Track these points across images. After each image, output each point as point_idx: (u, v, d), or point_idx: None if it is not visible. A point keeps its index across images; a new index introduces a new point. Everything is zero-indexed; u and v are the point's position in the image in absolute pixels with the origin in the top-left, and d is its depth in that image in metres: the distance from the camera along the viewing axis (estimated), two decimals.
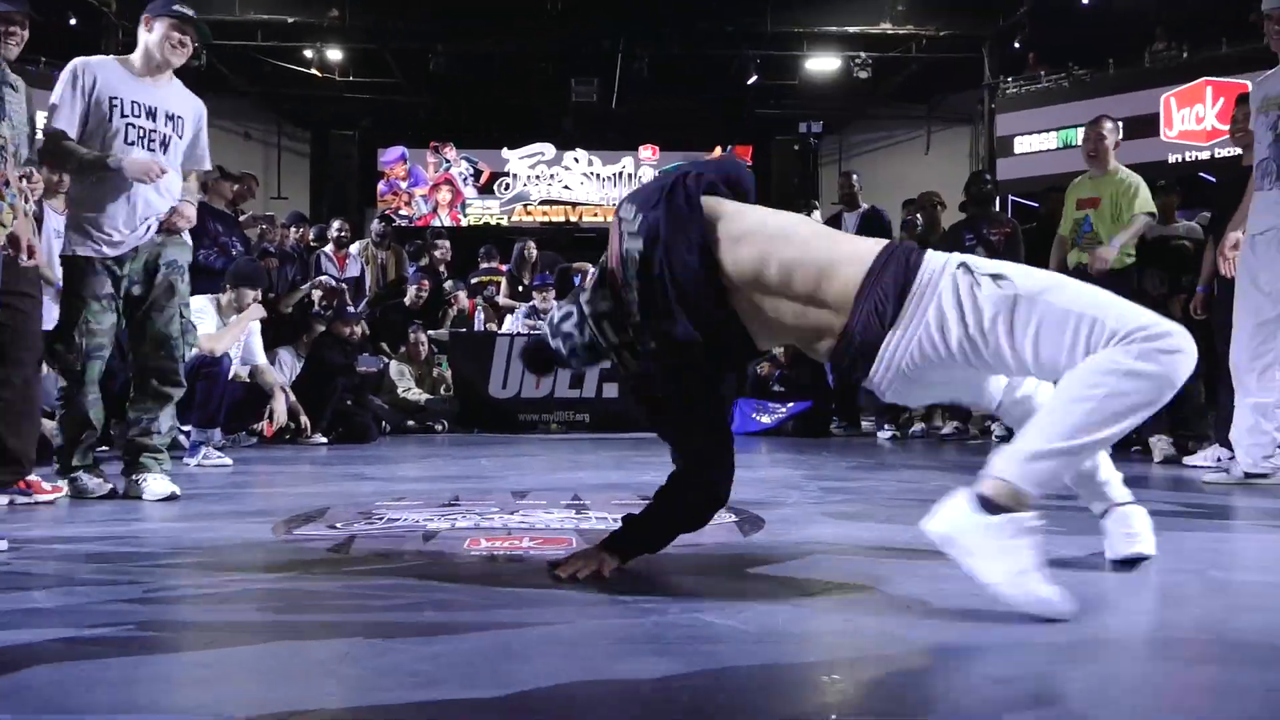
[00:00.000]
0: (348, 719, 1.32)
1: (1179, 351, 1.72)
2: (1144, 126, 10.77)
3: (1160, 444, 5.15)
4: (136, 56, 3.78)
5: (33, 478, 3.52)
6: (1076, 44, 11.63)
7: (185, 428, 5.04)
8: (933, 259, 1.92)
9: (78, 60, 3.71)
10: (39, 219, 4.41)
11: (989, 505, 1.76)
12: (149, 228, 3.75)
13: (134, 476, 3.71)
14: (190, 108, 3.91)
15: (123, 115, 3.67)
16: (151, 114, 3.75)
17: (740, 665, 1.52)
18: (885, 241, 2.03)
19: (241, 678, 1.51)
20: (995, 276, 1.84)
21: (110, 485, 3.69)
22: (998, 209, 8.01)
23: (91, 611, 1.89)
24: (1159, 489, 4.11)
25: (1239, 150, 5.10)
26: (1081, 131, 5.98)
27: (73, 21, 10.60)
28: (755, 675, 1.48)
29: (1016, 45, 12.15)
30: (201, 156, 3.99)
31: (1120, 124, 5.58)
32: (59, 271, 3.94)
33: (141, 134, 3.72)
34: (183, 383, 3.90)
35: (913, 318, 1.86)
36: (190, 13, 3.78)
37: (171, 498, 3.61)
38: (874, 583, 2.10)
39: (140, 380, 3.83)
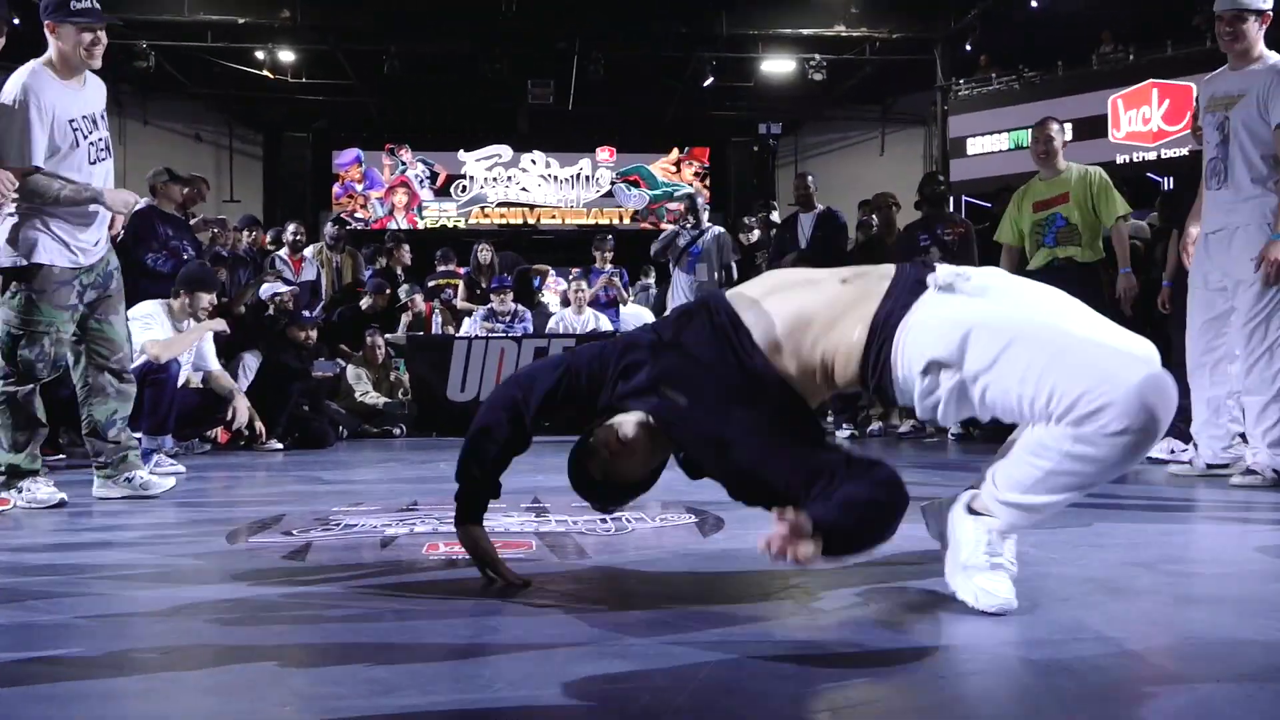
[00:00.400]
0: None
1: (1121, 434, 1.62)
2: (1092, 127, 10.97)
3: None
4: (57, 63, 3.61)
5: None
6: (1026, 46, 11.82)
7: (136, 434, 4.95)
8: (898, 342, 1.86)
9: (25, 80, 3.51)
10: None
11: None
12: (106, 237, 3.78)
13: (128, 475, 3.81)
14: (102, 96, 3.78)
15: (85, 136, 3.61)
16: (94, 122, 3.68)
17: (701, 666, 1.52)
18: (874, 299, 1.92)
19: (194, 691, 1.48)
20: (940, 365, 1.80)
21: (61, 495, 3.61)
22: (951, 209, 8.08)
23: (40, 626, 1.84)
24: (1124, 482, 4.18)
25: (1185, 151, 5.20)
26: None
27: (16, 21, 10.39)
28: (717, 676, 1.48)
29: (968, 48, 12.31)
30: None
31: (1067, 124, 5.67)
32: None
33: (96, 148, 3.68)
34: (134, 381, 3.94)
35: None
36: (91, 4, 3.60)
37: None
38: (835, 582, 2.11)
39: (100, 382, 3.82)
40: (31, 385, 3.63)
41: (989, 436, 6.58)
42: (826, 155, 14.82)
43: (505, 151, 14.82)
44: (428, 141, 14.82)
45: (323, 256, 8.86)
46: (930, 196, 7.07)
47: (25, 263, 3.57)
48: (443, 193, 14.80)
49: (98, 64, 3.65)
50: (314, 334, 7.32)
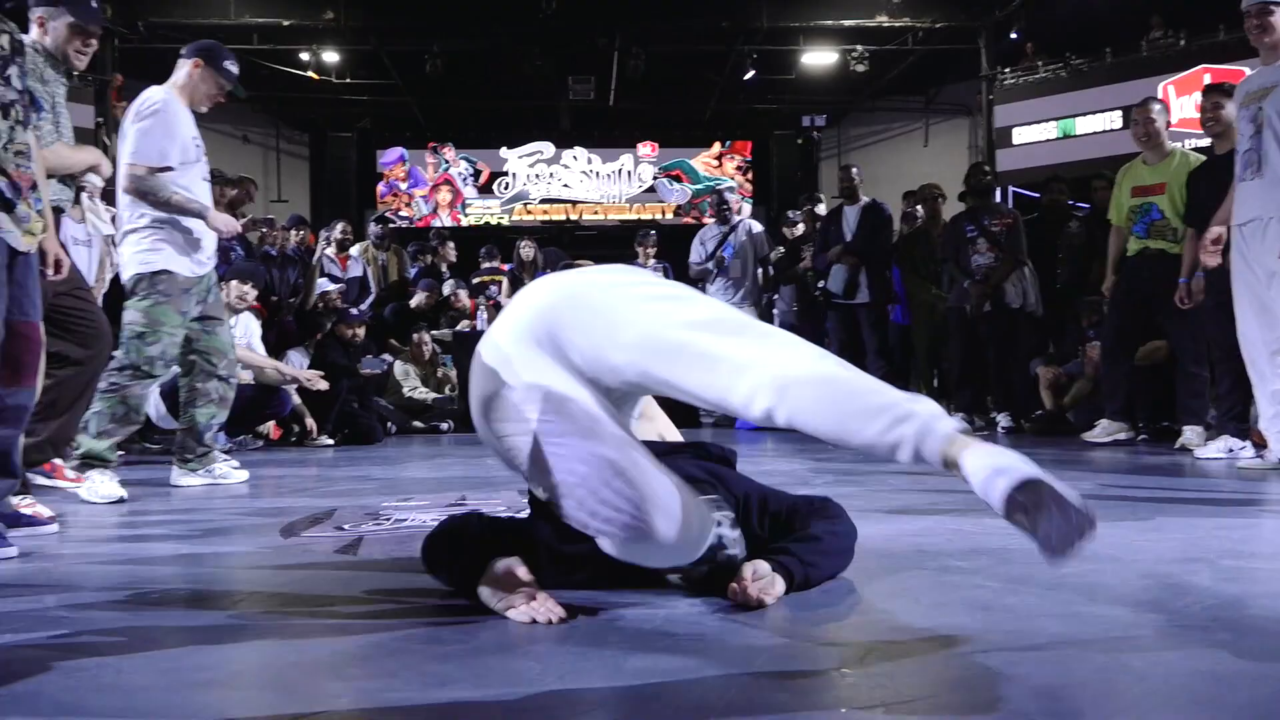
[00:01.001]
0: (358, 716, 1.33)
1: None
2: None
3: (1192, 434, 5.12)
4: (185, 93, 4.06)
5: (59, 462, 3.59)
6: (1073, 33, 11.62)
7: None
8: None
9: (164, 95, 3.97)
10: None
11: None
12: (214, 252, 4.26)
13: (211, 468, 4.17)
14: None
15: (203, 154, 4.11)
16: (199, 146, 4.13)
17: (752, 661, 1.52)
18: None
19: (249, 681, 1.51)
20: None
21: (123, 493, 3.68)
22: (998, 200, 7.99)
23: (99, 615, 1.89)
24: (1185, 477, 4.12)
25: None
26: (1081, 121, 5.97)
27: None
28: (767, 671, 1.48)
29: (1013, 36, 12.13)
30: None
31: (1116, 112, 5.56)
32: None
33: (207, 169, 4.16)
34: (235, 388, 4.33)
35: None
36: (234, 71, 4.17)
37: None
38: (882, 574, 2.10)
39: (207, 388, 4.15)
40: (147, 382, 3.90)
41: (1039, 430, 6.51)
42: (870, 147, 14.69)
43: (547, 148, 14.87)
44: (470, 139, 14.92)
45: (369, 254, 8.96)
46: (976, 187, 7.00)
47: (157, 269, 3.91)
48: (486, 190, 14.89)
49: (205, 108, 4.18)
50: (361, 331, 7.42)
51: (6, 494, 2.87)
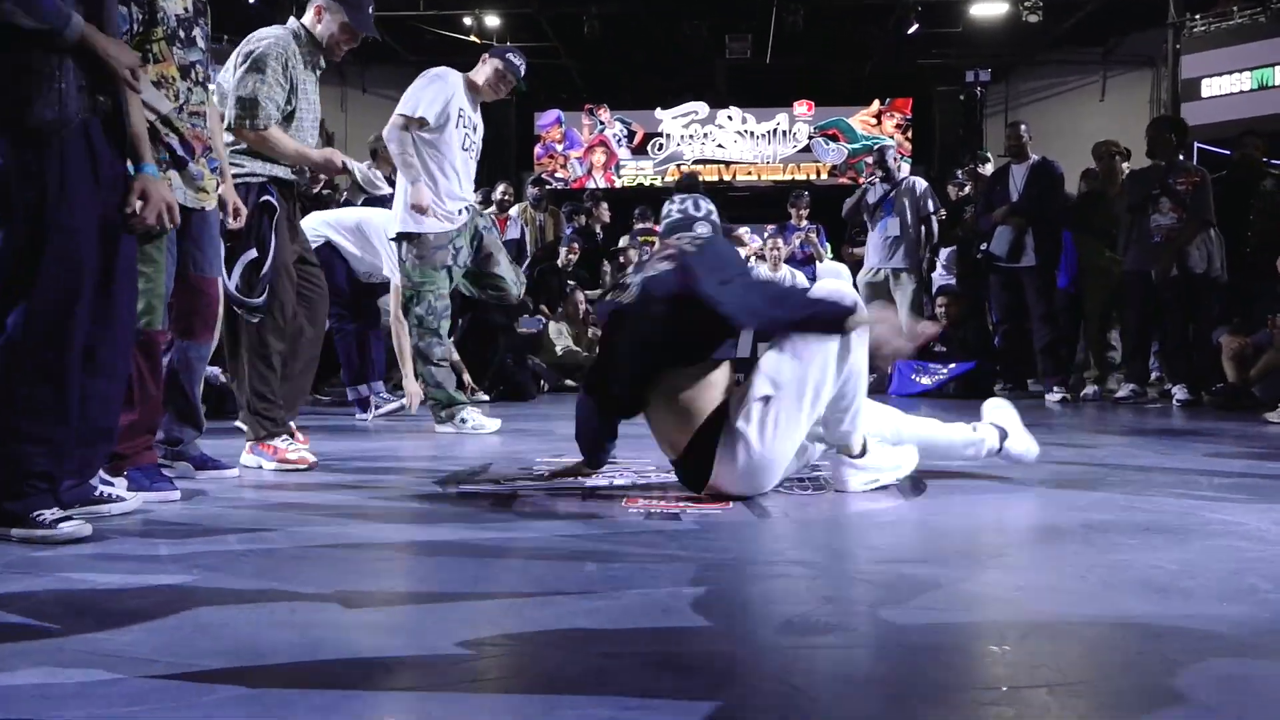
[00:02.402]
0: (509, 671, 1.36)
1: None
2: None
3: None
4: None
5: (278, 444, 3.43)
6: None
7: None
8: None
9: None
10: None
11: None
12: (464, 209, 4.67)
13: (462, 417, 4.54)
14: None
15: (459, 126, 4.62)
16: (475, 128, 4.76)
17: (906, 635, 1.48)
18: None
19: (407, 628, 1.57)
20: None
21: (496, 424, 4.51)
22: (1184, 158, 7.44)
23: (281, 557, 2.01)
24: None
25: None
26: None
27: (251, 0, 11.15)
28: (923, 644, 1.44)
29: None
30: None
31: None
32: None
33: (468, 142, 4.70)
34: None
35: None
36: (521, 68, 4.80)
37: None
38: (1046, 550, 2.01)
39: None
40: (439, 336, 4.48)
41: (1220, 404, 6.09)
42: (1041, 103, 13.92)
43: (701, 108, 14.75)
44: (625, 101, 14.94)
45: (526, 215, 9.14)
46: (1160, 144, 6.53)
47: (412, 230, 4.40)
48: (639, 151, 14.92)
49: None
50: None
51: (194, 439, 3.09)
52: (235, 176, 3.34)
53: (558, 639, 1.44)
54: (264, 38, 3.45)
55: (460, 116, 4.60)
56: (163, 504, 2.62)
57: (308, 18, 3.58)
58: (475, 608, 1.65)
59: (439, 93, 4.51)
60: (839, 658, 1.37)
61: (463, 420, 4.49)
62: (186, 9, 2.77)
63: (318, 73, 3.62)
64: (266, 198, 3.35)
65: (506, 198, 8.60)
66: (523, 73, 4.76)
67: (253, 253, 3.29)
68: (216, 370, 5.51)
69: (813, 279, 8.73)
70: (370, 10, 3.68)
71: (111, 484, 2.63)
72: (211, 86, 3.04)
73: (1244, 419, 5.30)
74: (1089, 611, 1.61)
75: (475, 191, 9.31)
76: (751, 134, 14.72)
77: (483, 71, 4.71)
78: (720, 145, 14.72)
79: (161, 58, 2.69)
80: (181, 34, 2.76)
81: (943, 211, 7.70)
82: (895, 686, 1.25)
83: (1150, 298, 6.42)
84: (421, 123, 4.44)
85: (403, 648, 1.41)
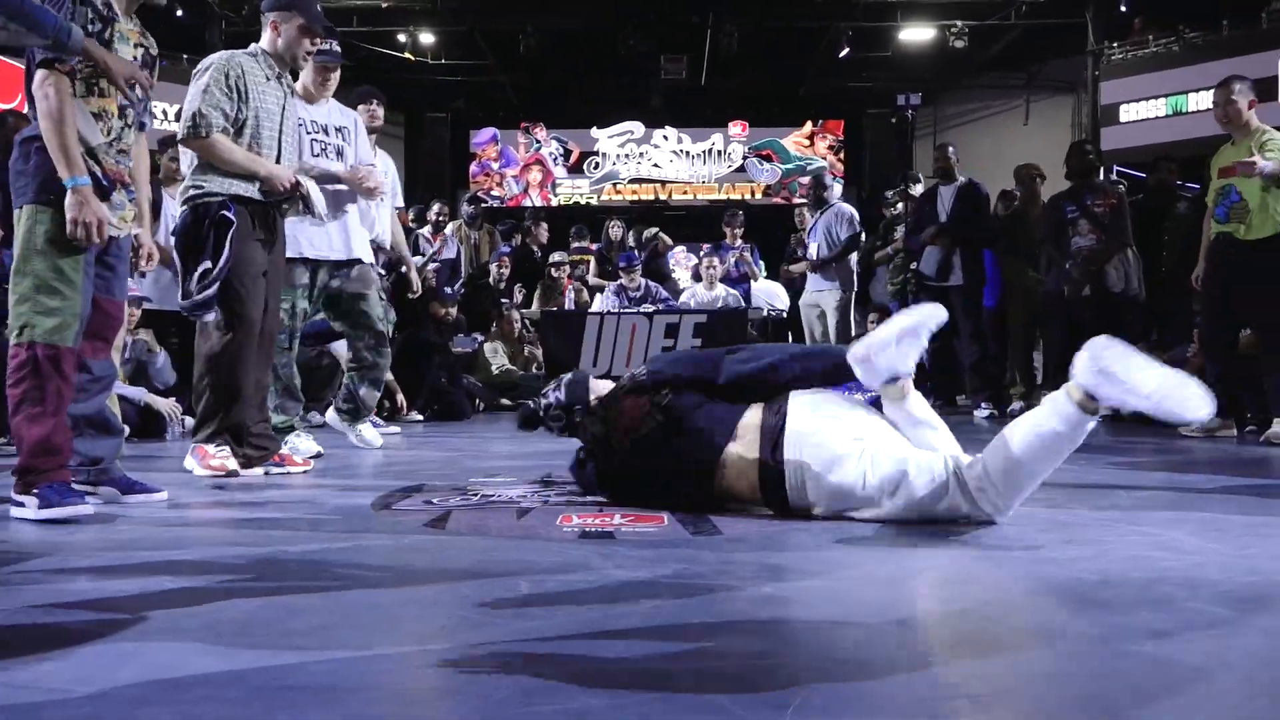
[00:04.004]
0: (438, 694, 1.35)
1: None
2: (1261, 91, 10.20)
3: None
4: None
5: (286, 452, 3.88)
6: (1187, 5, 11.09)
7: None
8: None
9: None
10: (157, 205, 4.88)
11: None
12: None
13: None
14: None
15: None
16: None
17: (835, 644, 1.50)
18: None
19: (334, 652, 1.54)
20: None
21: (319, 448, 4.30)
22: (1102, 179, 7.69)
23: (205, 581, 1.97)
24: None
25: None
26: (1194, 97, 5.72)
27: (179, 14, 10.95)
28: (850, 654, 1.46)
29: (1122, 8, 11.64)
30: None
31: (1250, 82, 5.27)
32: None
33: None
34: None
35: None
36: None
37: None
38: (974, 564, 2.06)
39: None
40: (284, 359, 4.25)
41: (1142, 419, 6.26)
42: (967, 125, 14.29)
43: (637, 128, 14.85)
44: (562, 119, 14.98)
45: (461, 234, 9.09)
46: (1079, 167, 6.75)
47: None
48: (576, 170, 14.95)
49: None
50: (454, 310, 7.54)
51: (115, 452, 3.04)
52: (195, 197, 3.53)
53: (489, 659, 1.43)
54: (207, 59, 3.63)
55: (300, 125, 4.27)
56: (75, 520, 2.59)
57: (265, 38, 3.73)
58: (406, 630, 1.64)
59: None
60: (767, 669, 1.38)
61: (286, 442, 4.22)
62: (135, 59, 2.94)
63: (286, 88, 3.74)
64: (224, 213, 3.49)
65: (441, 218, 8.56)
66: (337, 49, 4.46)
67: (207, 263, 3.45)
68: (142, 391, 5.40)
69: (747, 296, 8.83)
70: (319, 8, 3.77)
71: (22, 503, 2.60)
72: (144, 133, 3.13)
73: (1161, 433, 5.47)
74: (1013, 623, 1.65)
75: (408, 210, 9.32)
76: (687, 154, 14.85)
77: (303, 75, 4.36)
78: (656, 165, 14.83)
79: (106, 94, 2.86)
80: None
81: (862, 233, 7.84)
82: (821, 701, 1.27)
83: (1072, 316, 6.61)
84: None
85: (330, 673, 1.39)
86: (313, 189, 3.75)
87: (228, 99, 3.54)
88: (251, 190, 3.59)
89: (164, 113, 9.64)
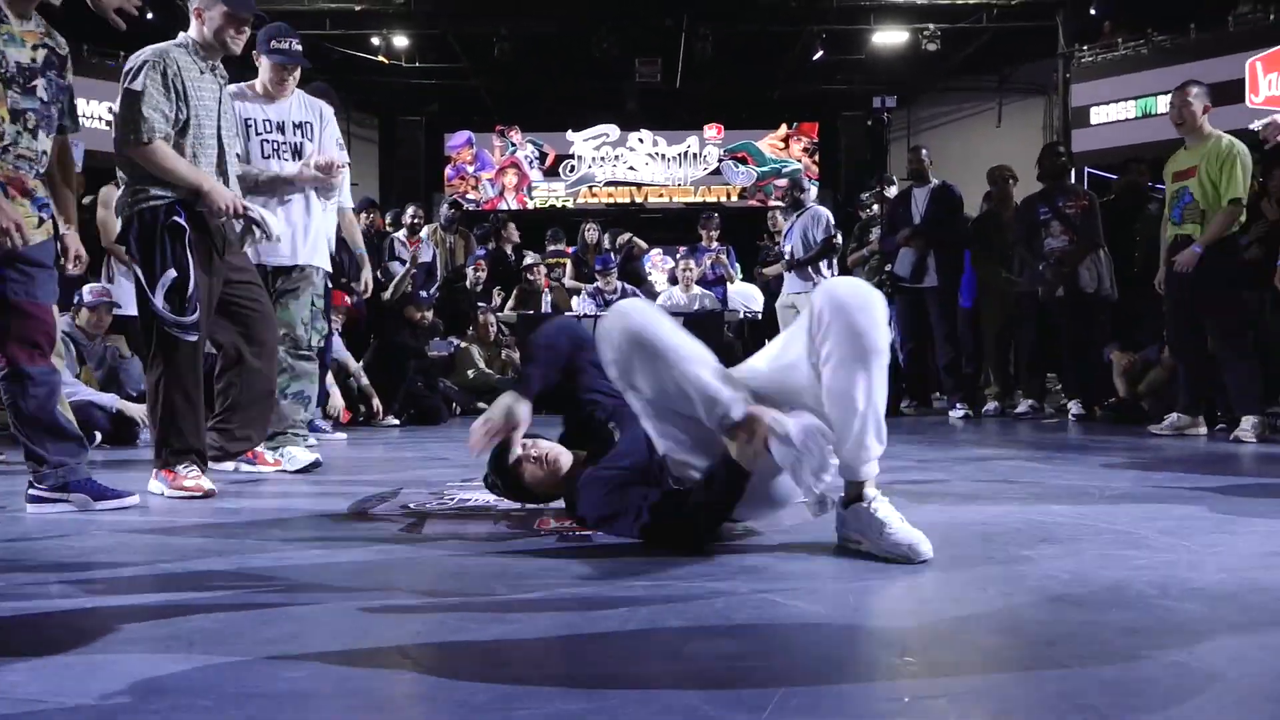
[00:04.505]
0: (421, 699, 1.35)
1: None
2: (1229, 93, 10.36)
3: (1247, 425, 4.97)
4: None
5: (260, 449, 3.84)
6: (1155, 9, 11.22)
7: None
8: None
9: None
10: None
11: None
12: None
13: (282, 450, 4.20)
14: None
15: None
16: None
17: (811, 646, 1.51)
18: None
19: (312, 658, 1.53)
20: None
21: (316, 455, 4.15)
22: (1074, 181, 7.76)
23: (179, 590, 1.95)
24: (1253, 467, 3.99)
25: None
26: (1163, 100, 5.80)
27: (150, 15, 10.85)
28: (826, 656, 1.47)
29: (1092, 12, 11.76)
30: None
31: (1207, 88, 5.36)
32: None
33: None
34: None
35: None
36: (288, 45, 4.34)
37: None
38: (947, 562, 2.07)
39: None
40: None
41: (1112, 418, 6.34)
42: (941, 128, 14.40)
43: (613, 131, 14.85)
44: (537, 122, 14.96)
45: (437, 237, 9.06)
46: (1050, 169, 6.81)
47: None
48: (551, 173, 14.94)
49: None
50: (430, 314, 7.51)
51: (77, 456, 3.04)
52: (141, 201, 3.35)
53: (468, 663, 1.43)
54: (137, 55, 3.38)
55: (249, 127, 4.26)
56: (44, 535, 2.57)
57: (192, 27, 3.53)
58: (382, 635, 1.63)
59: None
60: (746, 669, 1.39)
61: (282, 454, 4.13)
62: (34, 60, 2.87)
63: (220, 79, 3.55)
64: (174, 219, 3.32)
65: (417, 220, 8.53)
66: (298, 48, 4.36)
67: (172, 273, 3.31)
68: (114, 397, 5.35)
69: (723, 299, 8.85)
70: None
71: None
72: (51, 136, 3.02)
73: (1134, 432, 5.54)
74: (988, 621, 1.66)
75: (384, 214, 9.26)
76: (662, 156, 14.88)
77: (261, 73, 4.34)
78: (631, 167, 14.84)
79: None
80: (20, 80, 2.86)
81: (837, 235, 7.87)
82: (798, 702, 1.27)
83: (1045, 316, 6.67)
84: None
85: (308, 679, 1.38)
86: (264, 215, 3.56)
87: (167, 100, 3.33)
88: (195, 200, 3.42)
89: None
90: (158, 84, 3.31)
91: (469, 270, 8.71)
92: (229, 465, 3.81)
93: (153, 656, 1.48)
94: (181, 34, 3.52)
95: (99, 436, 5.07)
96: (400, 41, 12.69)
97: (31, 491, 2.98)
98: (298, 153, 4.35)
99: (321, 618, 1.73)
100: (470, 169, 15.00)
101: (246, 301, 3.69)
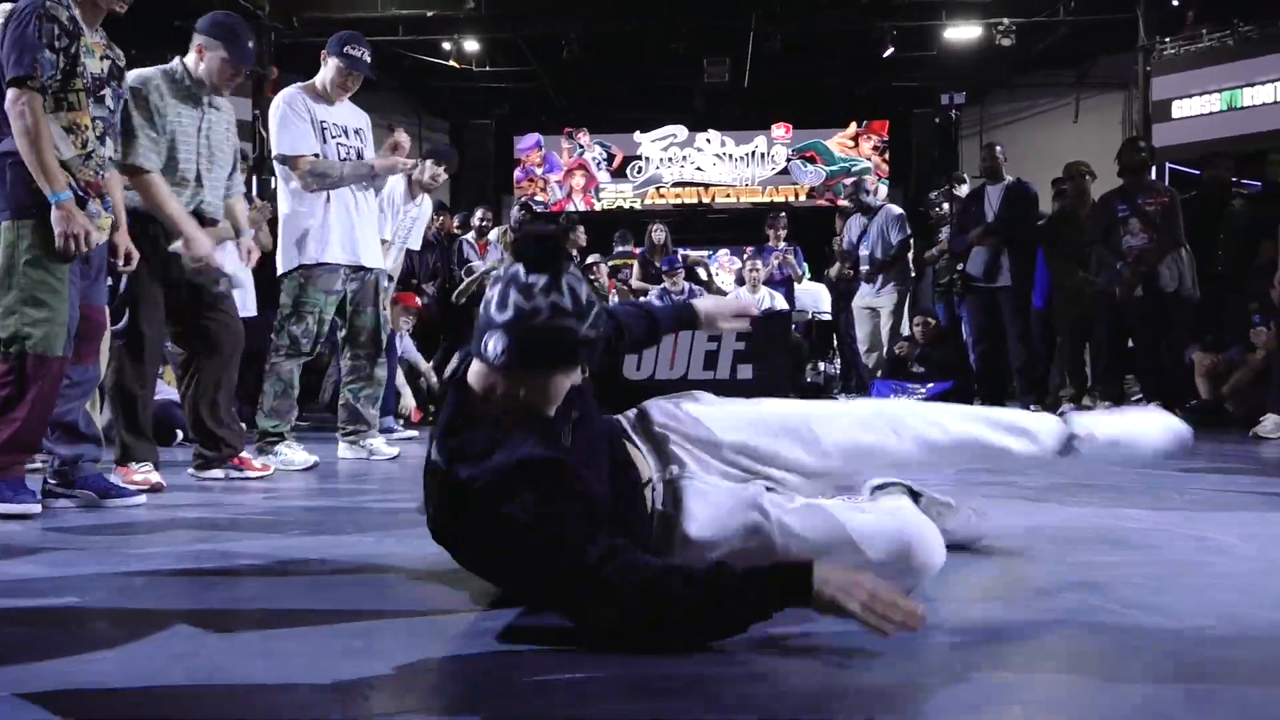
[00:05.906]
0: (399, 692, 1.36)
1: None
2: None
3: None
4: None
5: (245, 455, 3.89)
6: None
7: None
8: None
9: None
10: None
11: None
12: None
13: (364, 443, 4.61)
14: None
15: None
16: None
17: (880, 644, 1.49)
18: None
19: (301, 653, 1.53)
20: None
21: (314, 458, 4.19)
22: (1154, 177, 7.54)
23: (167, 583, 2.00)
24: None
25: None
26: (1249, 92, 5.59)
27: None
28: (895, 649, 1.45)
29: (1174, 3, 11.41)
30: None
31: None
32: None
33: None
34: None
35: None
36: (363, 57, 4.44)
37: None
38: (1023, 566, 2.03)
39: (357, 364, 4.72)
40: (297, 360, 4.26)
41: (1194, 420, 6.14)
42: (1015, 124, 14.10)
43: (680, 131, 14.85)
44: (605, 124, 15.02)
45: (505, 240, 9.15)
46: (1130, 164, 6.63)
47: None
48: (619, 174, 14.99)
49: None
50: None
51: (92, 458, 3.14)
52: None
53: (456, 662, 1.44)
54: (134, 77, 3.49)
55: (324, 130, 4.38)
56: (23, 516, 2.74)
57: (190, 57, 3.69)
58: (375, 631, 1.65)
59: (298, 119, 4.31)
60: (768, 674, 1.38)
61: (276, 453, 4.20)
62: (102, 70, 2.99)
63: (206, 107, 3.71)
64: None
65: (485, 223, 8.62)
66: (368, 59, 4.46)
67: (108, 280, 3.43)
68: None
69: (790, 300, 8.78)
70: (250, 44, 3.74)
71: None
72: (115, 142, 3.17)
73: (1217, 435, 5.36)
74: (1062, 627, 1.62)
75: (453, 216, 9.37)
76: (730, 156, 14.82)
77: (324, 73, 4.43)
78: (699, 168, 14.82)
79: (77, 106, 2.90)
80: (93, 90, 2.96)
81: (911, 236, 7.76)
82: (863, 704, 1.26)
83: (1121, 316, 6.50)
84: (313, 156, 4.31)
85: (301, 672, 1.40)
86: (238, 272, 3.78)
87: (159, 133, 3.54)
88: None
89: None
90: (150, 118, 3.53)
91: None
92: (218, 472, 3.81)
93: (138, 647, 1.52)
94: (176, 59, 3.69)
95: (180, 435, 5.18)
96: (470, 46, 12.85)
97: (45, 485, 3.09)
98: (359, 157, 4.49)
99: (309, 610, 1.75)
100: (539, 171, 15.13)
101: (211, 317, 3.76)
